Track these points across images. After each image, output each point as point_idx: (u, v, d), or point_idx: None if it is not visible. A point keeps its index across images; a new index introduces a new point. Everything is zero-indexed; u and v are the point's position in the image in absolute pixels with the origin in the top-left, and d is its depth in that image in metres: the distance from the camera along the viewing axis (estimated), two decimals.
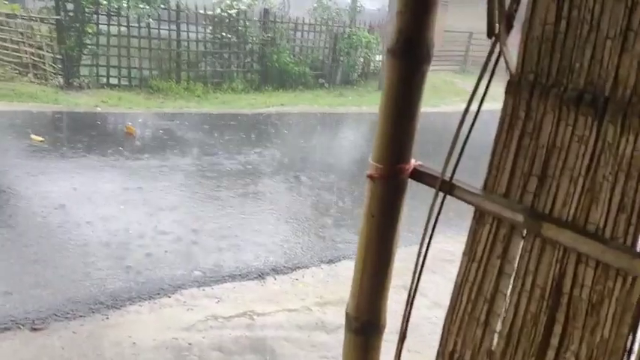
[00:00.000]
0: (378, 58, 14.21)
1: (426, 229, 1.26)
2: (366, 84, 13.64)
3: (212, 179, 5.34)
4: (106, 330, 2.85)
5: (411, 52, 1.19)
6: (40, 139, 5.86)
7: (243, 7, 11.70)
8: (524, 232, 1.12)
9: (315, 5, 13.72)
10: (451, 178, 1.22)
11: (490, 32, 1.13)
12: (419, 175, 1.28)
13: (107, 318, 2.96)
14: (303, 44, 13.23)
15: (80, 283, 3.24)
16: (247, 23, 11.89)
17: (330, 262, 3.97)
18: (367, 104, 11.04)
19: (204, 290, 3.39)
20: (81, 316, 2.95)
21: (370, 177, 1.26)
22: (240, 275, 3.64)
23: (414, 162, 1.28)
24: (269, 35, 12.16)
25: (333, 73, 13.31)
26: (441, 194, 1.23)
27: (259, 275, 3.68)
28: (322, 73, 13.08)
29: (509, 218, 1.11)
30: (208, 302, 3.25)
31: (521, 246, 1.13)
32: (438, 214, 1.23)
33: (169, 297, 3.26)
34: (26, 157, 5.38)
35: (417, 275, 1.29)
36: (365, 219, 1.31)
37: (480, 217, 1.19)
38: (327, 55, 13.36)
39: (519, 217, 1.09)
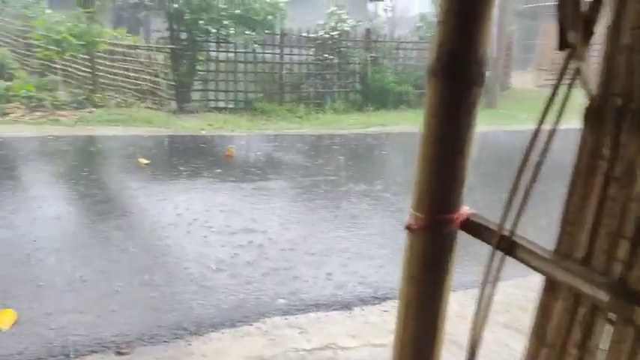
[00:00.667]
0: (488, 75, 13.51)
1: (481, 295, 0.97)
2: None
3: (308, 201, 5.25)
4: (187, 358, 2.80)
5: (458, 71, 0.93)
6: (146, 161, 6.19)
7: (346, 29, 11.74)
8: (612, 315, 0.80)
9: (420, 23, 13.41)
10: (512, 233, 0.93)
11: (562, 43, 0.84)
12: (472, 227, 1.00)
13: (189, 345, 2.92)
14: (406, 62, 12.94)
15: (166, 306, 3.24)
16: (350, 44, 11.89)
17: None
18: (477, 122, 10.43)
19: (287, 319, 3.24)
20: (165, 342, 2.94)
21: (409, 228, 1.01)
22: (325, 304, 3.45)
23: (466, 210, 1.00)
24: (371, 55, 12.05)
25: None
26: (498, 253, 0.95)
27: (346, 305, 3.46)
28: (425, 92, 12.65)
29: (589, 295, 0.81)
30: (291, 333, 3.10)
31: (607, 332, 0.81)
32: (496, 278, 0.94)
33: (252, 325, 3.15)
34: (132, 179, 5.68)
35: (474, 350, 1.01)
36: (404, 281, 1.05)
37: (550, 287, 0.89)
38: None
39: (603, 295, 0.78)
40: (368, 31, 12.45)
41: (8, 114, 8.25)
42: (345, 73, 12.00)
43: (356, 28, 12.04)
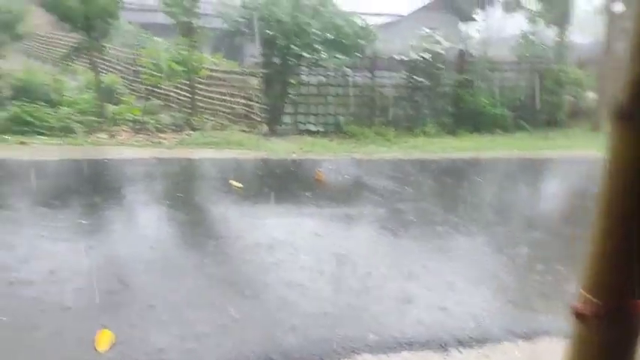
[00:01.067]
0: (591, 96, 12.60)
1: None
2: (575, 125, 12.13)
3: (398, 229, 5.04)
4: None
5: None
6: (239, 185, 6.29)
7: (439, 51, 11.47)
8: None
9: (521, 41, 12.79)
10: None
11: None
12: None
13: None
14: (502, 84, 12.37)
15: (253, 335, 3.17)
16: (442, 65, 11.60)
17: (528, 337, 3.30)
18: (579, 147, 9.72)
19: (378, 358, 3.05)
20: None
21: (578, 315, 0.80)
22: (419, 343, 3.21)
23: None
24: (464, 76, 11.66)
25: (536, 114, 12.11)
26: None
27: (442, 345, 3.20)
28: (523, 115, 11.99)
29: None
30: None
31: None
32: None
33: None
34: (225, 202, 5.78)
35: None
36: None
37: None
38: (529, 95, 12.25)
39: None
40: (461, 53, 12.08)
41: (115, 136, 8.80)
42: (436, 96, 11.68)
43: (449, 50, 11.72)
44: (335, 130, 10.91)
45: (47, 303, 3.24)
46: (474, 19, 22.94)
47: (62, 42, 15.01)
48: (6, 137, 7.81)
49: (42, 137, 8.07)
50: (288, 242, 4.51)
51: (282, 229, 4.86)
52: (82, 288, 3.46)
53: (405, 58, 11.42)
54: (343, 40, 10.21)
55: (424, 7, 22.74)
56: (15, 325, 2.94)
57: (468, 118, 11.51)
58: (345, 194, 6.42)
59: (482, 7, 21.18)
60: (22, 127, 8.28)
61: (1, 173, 6.40)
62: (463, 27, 22.01)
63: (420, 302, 3.64)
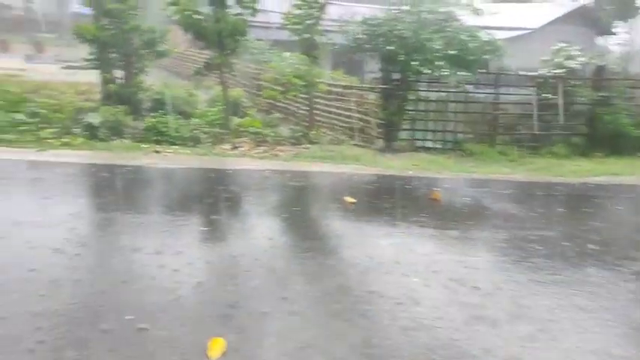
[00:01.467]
0: None
1: None
2: None
3: (520, 259, 4.62)
4: None
5: None
6: (352, 200, 6.24)
7: (574, 66, 10.63)
8: None
9: None
10: None
11: None
12: None
13: None
14: None
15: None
16: (577, 82, 10.72)
17: None
18: None
19: None
20: None
21: None
22: None
23: None
24: (602, 94, 10.66)
25: None
26: None
27: None
28: None
29: None
30: None
31: None
32: None
33: None
34: (338, 218, 5.76)
35: None
36: None
37: None
38: None
39: None
40: (599, 68, 11.10)
41: (237, 147, 9.24)
42: (568, 114, 10.80)
43: (585, 65, 10.81)
44: (453, 148, 10.53)
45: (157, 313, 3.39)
46: (612, 33, 21.07)
47: (196, 58, 16.23)
48: (143, 146, 8.54)
49: (174, 146, 8.71)
50: (399, 263, 4.35)
51: (393, 249, 4.71)
52: (202, 296, 3.58)
53: (534, 74, 10.74)
54: (466, 56, 9.84)
55: (557, 19, 21.37)
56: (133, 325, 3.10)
57: (604, 140, 10.50)
58: (463, 216, 6.09)
59: (624, 19, 19.40)
60: (157, 136, 9.01)
61: (138, 178, 7.00)
62: (600, 41, 20.29)
63: (552, 345, 3.27)
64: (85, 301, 3.32)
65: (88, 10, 10.94)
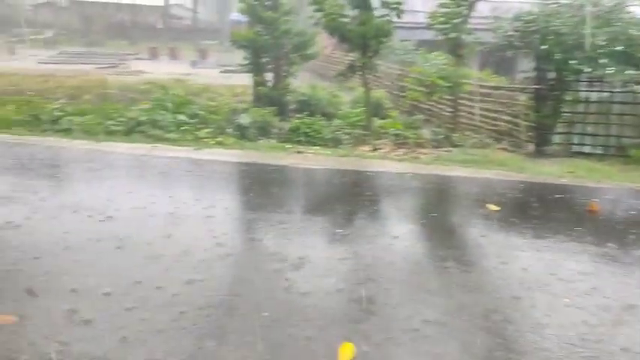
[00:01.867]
0: None
1: None
2: None
3: None
4: None
5: None
6: (496, 208, 5.89)
7: None
8: None
9: None
10: None
11: None
12: None
13: None
14: None
15: None
16: None
17: None
18: None
19: None
20: None
21: None
22: None
23: None
24: None
25: None
26: None
27: None
28: None
29: None
30: None
31: None
32: None
33: None
34: (479, 226, 5.48)
35: None
36: None
37: None
38: None
39: None
40: None
41: (377, 149, 9.27)
42: None
43: None
44: (616, 154, 9.44)
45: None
46: None
47: (340, 60, 16.63)
48: (287, 146, 8.97)
49: (315, 147, 9.01)
50: (546, 282, 4.01)
51: (539, 265, 4.35)
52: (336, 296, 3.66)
53: None
54: (636, 52, 8.74)
55: None
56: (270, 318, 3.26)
57: None
58: (626, 233, 5.41)
59: None
60: (300, 137, 9.40)
61: (282, 177, 7.38)
62: None
63: None
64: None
65: (244, 18, 11.80)
